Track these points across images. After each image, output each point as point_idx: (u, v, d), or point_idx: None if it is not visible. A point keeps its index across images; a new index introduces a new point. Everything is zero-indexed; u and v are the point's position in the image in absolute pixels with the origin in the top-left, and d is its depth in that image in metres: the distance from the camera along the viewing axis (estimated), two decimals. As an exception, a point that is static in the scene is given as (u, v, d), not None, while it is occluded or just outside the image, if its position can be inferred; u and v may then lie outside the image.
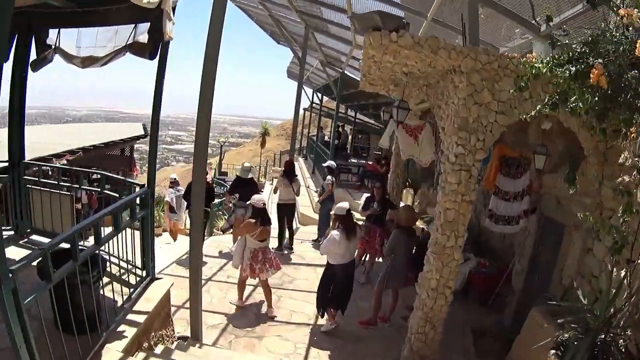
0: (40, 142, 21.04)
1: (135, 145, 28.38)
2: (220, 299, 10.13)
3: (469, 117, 6.60)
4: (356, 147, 33.09)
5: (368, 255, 11.82)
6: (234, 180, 13.79)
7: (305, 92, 33.16)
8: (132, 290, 6.81)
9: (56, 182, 8.63)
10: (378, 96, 21.75)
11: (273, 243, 13.03)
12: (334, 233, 8.43)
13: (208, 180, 12.81)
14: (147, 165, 7.89)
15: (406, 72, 7.82)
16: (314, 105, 36.31)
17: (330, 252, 8.56)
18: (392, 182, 13.88)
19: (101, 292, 5.82)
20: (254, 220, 9.09)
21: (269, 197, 20.36)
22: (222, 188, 26.40)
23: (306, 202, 20.22)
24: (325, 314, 9.04)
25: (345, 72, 21.23)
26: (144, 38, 6.67)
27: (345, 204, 8.77)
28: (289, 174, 13.27)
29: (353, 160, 27.17)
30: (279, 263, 9.71)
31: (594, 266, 7.16)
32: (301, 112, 36.14)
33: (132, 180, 8.61)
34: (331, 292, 8.78)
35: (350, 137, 33.64)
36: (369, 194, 16.80)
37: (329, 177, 14.15)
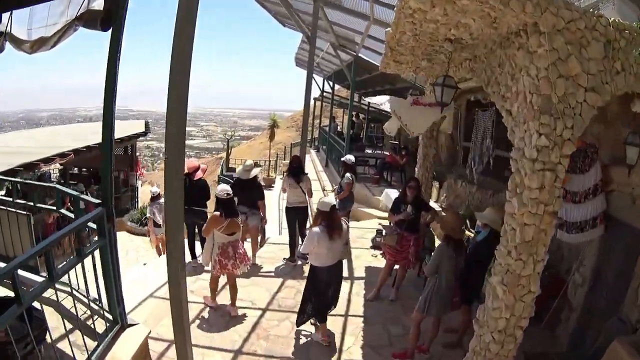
0: (35, 145, 19.90)
1: (146, 143, 27.02)
2: (222, 329, 8.35)
3: (553, 94, 4.66)
4: (370, 137, 31.43)
5: (399, 267, 9.92)
6: (234, 182, 11.88)
7: (315, 80, 31.27)
8: (94, 348, 5.11)
9: (11, 199, 7.28)
10: (396, 80, 19.90)
11: (284, 252, 11.61)
12: (314, 230, 7.44)
13: (200, 176, 11.06)
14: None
15: (452, 39, 5.93)
16: (325, 94, 34.45)
17: (311, 252, 7.66)
18: (420, 177, 11.82)
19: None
20: (218, 213, 8.43)
21: (279, 195, 18.52)
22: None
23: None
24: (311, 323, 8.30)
25: (360, 54, 19.14)
26: (98, 5, 5.19)
27: (329, 199, 7.74)
28: (295, 172, 11.33)
29: (369, 151, 25.38)
30: (249, 259, 9.19)
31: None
32: (312, 102, 34.67)
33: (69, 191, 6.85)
34: (312, 299, 7.97)
35: (364, 126, 31.93)
36: (390, 189, 14.72)
37: (347, 174, 12.30)
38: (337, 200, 11.62)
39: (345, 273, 10.47)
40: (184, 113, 5.07)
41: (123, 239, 15.43)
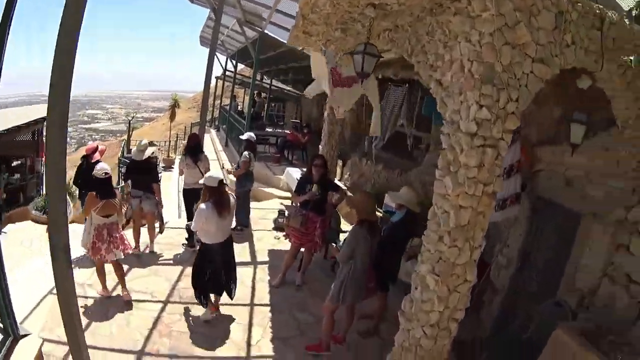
0: None
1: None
2: (122, 327, 7.49)
3: (497, 62, 4.13)
4: (271, 116, 30.83)
5: (304, 251, 9.29)
6: (128, 163, 10.94)
7: (218, 58, 30.30)
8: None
9: None
10: (302, 58, 19.21)
11: (183, 237, 10.83)
12: (202, 207, 7.14)
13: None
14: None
15: (375, 4, 5.30)
16: (227, 72, 33.09)
17: (200, 229, 7.29)
18: (325, 155, 11.17)
19: None
20: (94, 193, 7.84)
21: (179, 177, 17.64)
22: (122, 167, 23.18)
23: None
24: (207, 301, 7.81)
25: (266, 31, 18.38)
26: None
27: (217, 174, 7.42)
28: (192, 151, 10.48)
29: (269, 130, 24.76)
30: (129, 245, 8.38)
31: (633, 267, 5.56)
32: (213, 81, 33.66)
33: None
34: (208, 275, 7.59)
35: (265, 105, 31.04)
36: (292, 168, 14.11)
37: (245, 152, 11.46)
38: (234, 178, 11.33)
39: (247, 257, 10.07)
40: (66, 88, 4.40)
41: (28, 228, 14.18)
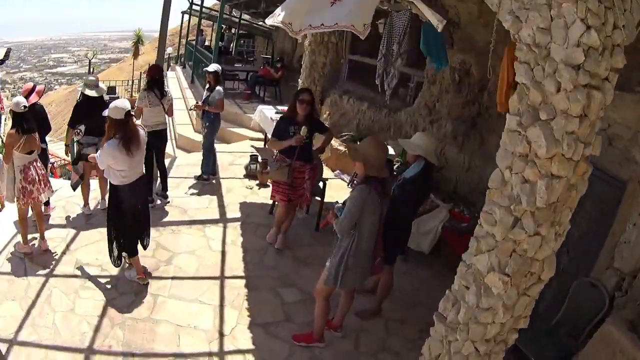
0: None
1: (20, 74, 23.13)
2: (67, 314, 5.86)
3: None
4: (240, 52, 28.63)
5: (283, 207, 7.44)
6: (76, 104, 8.73)
7: None
8: None
9: None
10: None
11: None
12: (108, 144, 6.01)
13: (36, 100, 7.97)
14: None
15: None
16: (194, 7, 30.41)
17: (108, 169, 6.23)
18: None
19: None
20: (13, 130, 6.89)
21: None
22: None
23: (184, 119, 15.32)
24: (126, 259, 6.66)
25: None
26: None
27: (122, 103, 6.16)
28: (154, 84, 8.53)
29: (239, 66, 22.77)
30: (50, 183, 7.45)
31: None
32: (179, 16, 31.31)
33: None
34: (122, 226, 6.43)
35: (234, 40, 29.21)
36: (264, 105, 12.55)
37: (219, 87, 9.47)
38: (206, 114, 9.64)
39: (214, 213, 8.68)
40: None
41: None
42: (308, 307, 5.72)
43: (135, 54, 29.89)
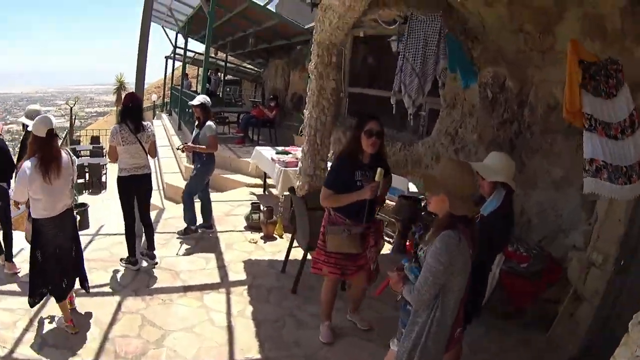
0: None
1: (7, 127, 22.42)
2: None
3: None
4: (228, 97, 27.62)
5: (351, 287, 5.86)
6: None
7: (167, 34, 27.11)
8: None
9: None
10: (263, 19, 15.97)
11: (121, 250, 7.27)
12: (24, 166, 5.17)
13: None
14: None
15: None
16: (178, 50, 28.85)
17: (23, 197, 5.36)
18: (313, 122, 7.93)
19: None
20: None
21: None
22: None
23: (172, 167, 13.95)
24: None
25: None
26: None
27: (46, 119, 5.36)
28: (131, 115, 6.88)
29: (229, 108, 21.74)
30: None
31: None
32: (162, 64, 30.44)
33: None
34: (41, 264, 5.45)
35: (221, 84, 27.43)
36: (262, 147, 11.33)
37: (209, 123, 8.11)
38: (198, 155, 8.26)
39: (214, 276, 7.03)
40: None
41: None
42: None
43: (118, 101, 28.77)
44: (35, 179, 5.10)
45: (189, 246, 7.95)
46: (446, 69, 7.07)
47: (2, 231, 7.25)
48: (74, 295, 5.82)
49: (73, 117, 29.69)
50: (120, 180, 7.01)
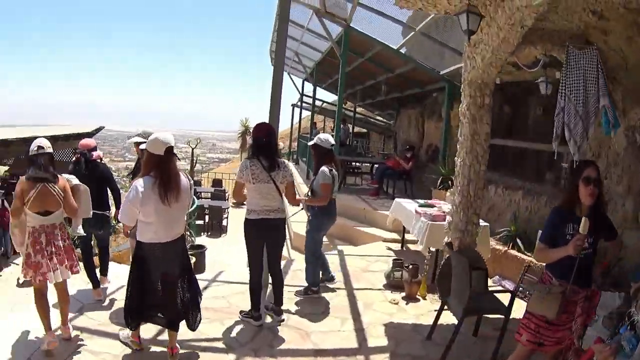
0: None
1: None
2: None
3: None
4: (357, 149, 26.69)
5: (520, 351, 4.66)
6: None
7: (293, 81, 27.04)
8: None
9: None
10: (396, 65, 15.44)
11: (242, 301, 6.74)
12: (137, 184, 4.75)
13: (100, 156, 7.12)
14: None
15: None
16: (305, 97, 28.63)
17: (131, 219, 4.87)
18: (467, 169, 7.05)
19: None
20: (25, 177, 5.32)
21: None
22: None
23: (300, 215, 12.69)
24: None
25: (353, 25, 13.56)
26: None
27: (165, 136, 4.96)
28: (261, 150, 6.14)
29: (362, 158, 20.80)
30: (77, 260, 5.72)
31: None
32: (289, 110, 30.80)
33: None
34: (148, 294, 5.06)
35: (350, 135, 26.83)
36: (402, 199, 10.31)
37: (323, 168, 7.06)
38: (306, 206, 7.42)
39: (351, 341, 6.07)
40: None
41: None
42: None
43: (243, 146, 28.91)
44: (150, 200, 4.76)
45: (321, 305, 7.11)
46: (610, 107, 6.12)
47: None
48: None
49: (194, 159, 30.09)
50: (248, 224, 6.27)
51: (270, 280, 6.57)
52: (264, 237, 6.25)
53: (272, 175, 6.04)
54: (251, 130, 6.32)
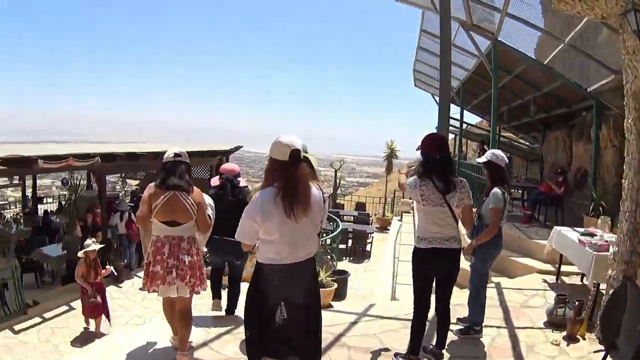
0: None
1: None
2: None
3: None
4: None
5: None
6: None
7: (437, 102, 25.42)
8: None
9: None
10: (546, 81, 14.58)
11: (396, 341, 6.28)
12: (258, 197, 4.15)
13: (245, 184, 7.37)
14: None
15: None
16: (451, 122, 27.70)
17: (252, 240, 4.26)
18: (634, 195, 6.23)
19: None
20: (155, 183, 5.25)
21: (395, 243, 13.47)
22: (333, 223, 19.06)
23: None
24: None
25: (501, 38, 13.04)
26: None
27: (291, 140, 4.21)
28: (436, 170, 5.36)
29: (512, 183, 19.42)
30: (204, 276, 5.52)
31: None
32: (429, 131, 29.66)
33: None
34: (269, 322, 4.29)
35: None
36: (563, 227, 9.34)
37: (495, 190, 6.30)
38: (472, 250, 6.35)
39: None
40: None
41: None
42: None
43: (389, 169, 28.36)
44: (273, 214, 4.13)
45: (481, 344, 6.45)
46: None
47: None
48: None
49: (337, 181, 29.84)
50: (418, 253, 5.64)
51: (429, 318, 5.84)
52: (435, 269, 5.63)
53: (447, 198, 5.32)
54: (420, 143, 5.55)
